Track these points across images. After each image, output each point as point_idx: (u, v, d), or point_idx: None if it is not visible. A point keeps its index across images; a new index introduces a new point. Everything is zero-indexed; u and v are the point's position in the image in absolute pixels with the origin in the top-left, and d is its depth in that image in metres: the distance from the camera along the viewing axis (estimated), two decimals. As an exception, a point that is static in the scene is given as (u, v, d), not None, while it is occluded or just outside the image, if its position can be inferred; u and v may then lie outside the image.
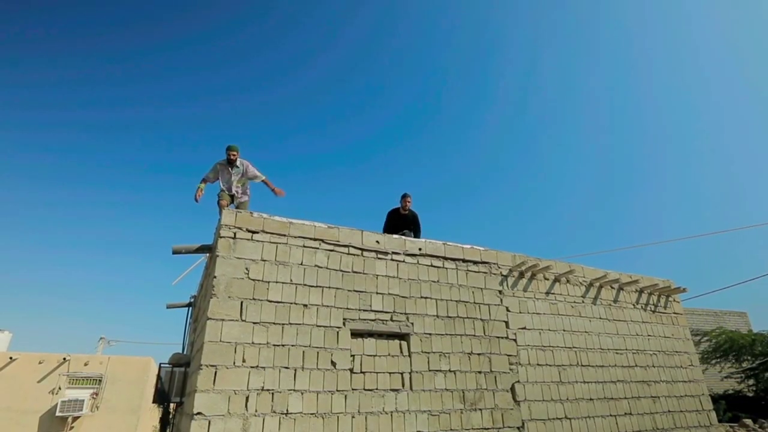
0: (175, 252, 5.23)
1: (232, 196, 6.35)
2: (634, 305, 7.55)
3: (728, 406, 14.82)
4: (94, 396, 12.31)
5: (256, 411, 4.14)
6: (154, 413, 17.68)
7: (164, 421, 6.52)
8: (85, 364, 12.74)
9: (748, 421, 10.61)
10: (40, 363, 12.44)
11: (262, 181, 6.49)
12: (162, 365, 6.25)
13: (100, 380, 12.82)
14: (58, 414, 11.77)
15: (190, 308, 8.61)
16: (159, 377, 6.18)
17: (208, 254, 5.71)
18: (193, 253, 5.33)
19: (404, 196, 7.42)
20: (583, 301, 6.94)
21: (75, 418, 11.86)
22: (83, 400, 11.96)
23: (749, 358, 16.84)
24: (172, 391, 6.01)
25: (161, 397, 6.08)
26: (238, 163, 6.30)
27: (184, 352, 7.48)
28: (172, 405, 6.67)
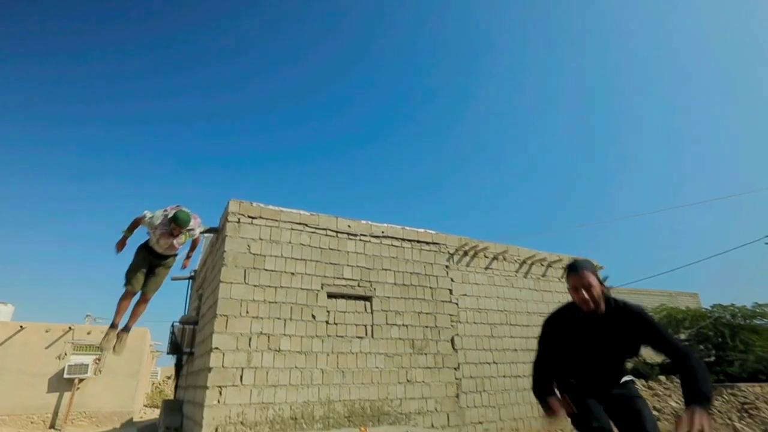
0: (189, 232, 6.65)
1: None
2: (559, 279, 9.31)
3: (661, 370, 17.09)
4: (97, 361, 13.69)
5: (256, 348, 5.69)
6: (147, 380, 19.14)
7: (178, 368, 8.02)
8: (88, 333, 14.09)
9: (662, 377, 12.69)
10: (46, 332, 13.74)
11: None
12: (174, 323, 7.75)
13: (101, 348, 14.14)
14: (65, 376, 13.15)
15: (191, 281, 10.05)
16: (172, 333, 7.67)
17: (214, 234, 7.13)
18: (203, 233, 6.76)
19: (575, 275, 2.18)
20: (516, 275, 8.65)
21: (81, 380, 13.24)
22: (87, 365, 13.36)
23: (684, 331, 19.11)
24: (184, 344, 7.53)
25: (175, 348, 7.59)
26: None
27: (186, 314, 8.95)
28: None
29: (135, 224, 4.40)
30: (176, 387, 8.71)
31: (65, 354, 13.66)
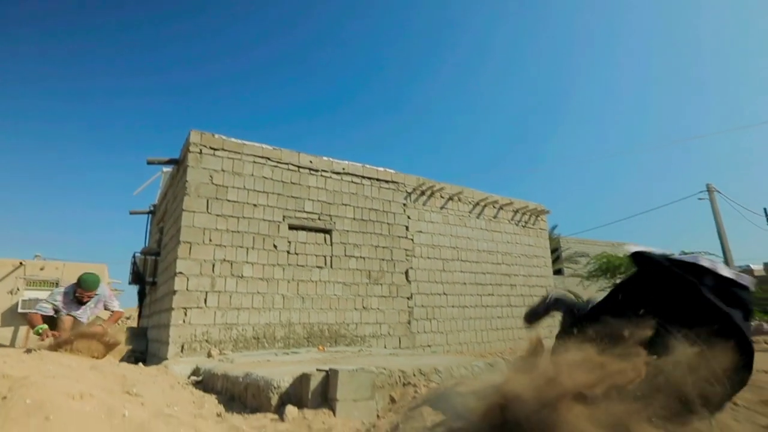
0: (149, 162, 6.64)
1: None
2: (509, 221, 9.97)
3: (597, 310, 18.89)
4: (54, 297, 13.54)
5: (220, 273, 5.97)
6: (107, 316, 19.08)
7: (141, 296, 8.21)
8: (41, 269, 13.83)
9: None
10: (-5, 267, 13.35)
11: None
12: (136, 254, 7.84)
13: (57, 284, 13.96)
14: (20, 311, 13.00)
15: (150, 215, 10.02)
16: (134, 263, 7.78)
17: (174, 166, 7.13)
18: (164, 164, 6.77)
19: None
20: (469, 216, 9.20)
21: (37, 315, 13.15)
22: (43, 299, 13.21)
23: (620, 276, 20.94)
24: (147, 273, 7.68)
25: (137, 278, 7.74)
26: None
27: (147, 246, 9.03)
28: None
29: (36, 320, 4.32)
30: (139, 316, 8.94)
31: (17, 289, 13.43)
